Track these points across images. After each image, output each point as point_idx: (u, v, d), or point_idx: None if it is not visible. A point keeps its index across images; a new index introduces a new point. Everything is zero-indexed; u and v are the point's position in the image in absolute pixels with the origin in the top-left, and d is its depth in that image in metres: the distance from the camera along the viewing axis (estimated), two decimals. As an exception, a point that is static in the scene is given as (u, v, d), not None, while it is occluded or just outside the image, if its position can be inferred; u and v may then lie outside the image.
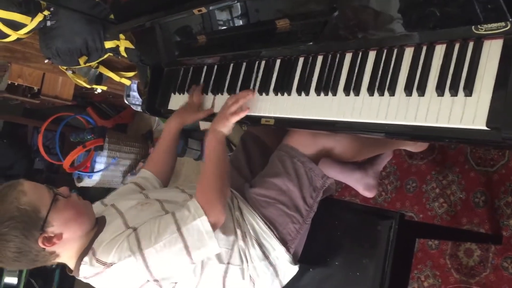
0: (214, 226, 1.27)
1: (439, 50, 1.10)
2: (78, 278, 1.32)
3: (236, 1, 1.38)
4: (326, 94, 1.32)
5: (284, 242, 1.44)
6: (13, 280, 3.97)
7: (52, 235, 1.24)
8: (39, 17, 2.11)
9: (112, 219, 1.35)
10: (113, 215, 1.37)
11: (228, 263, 1.38)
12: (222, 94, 1.63)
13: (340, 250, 1.47)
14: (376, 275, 1.36)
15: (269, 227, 1.43)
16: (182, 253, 1.24)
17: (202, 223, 1.25)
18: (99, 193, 3.91)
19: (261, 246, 1.43)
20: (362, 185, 1.91)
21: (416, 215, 2.08)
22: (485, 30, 1.00)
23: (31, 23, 2.12)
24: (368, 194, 1.94)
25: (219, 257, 1.36)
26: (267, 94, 1.47)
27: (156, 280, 1.26)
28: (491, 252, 1.80)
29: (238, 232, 1.41)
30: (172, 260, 1.25)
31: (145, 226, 1.26)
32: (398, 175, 2.18)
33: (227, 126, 1.45)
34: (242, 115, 1.46)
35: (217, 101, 1.64)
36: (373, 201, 2.23)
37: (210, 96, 1.68)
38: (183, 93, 1.82)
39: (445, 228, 1.88)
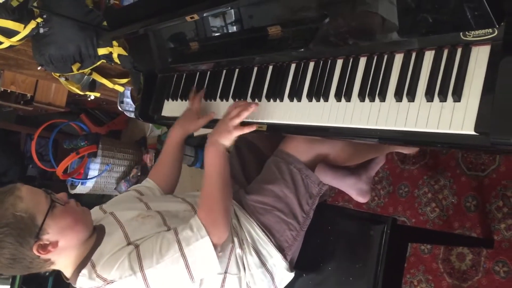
0: (216, 245, 1.26)
1: (428, 56, 1.12)
2: (74, 286, 1.30)
3: (228, 8, 1.39)
4: (318, 100, 1.33)
5: (281, 249, 1.44)
6: (6, 287, 3.95)
7: (47, 242, 1.22)
8: (32, 24, 2.12)
9: (112, 230, 1.33)
10: (113, 226, 1.34)
11: (226, 272, 1.37)
12: (215, 100, 1.64)
13: (333, 255, 1.48)
14: (369, 279, 1.36)
15: (266, 234, 1.43)
16: (183, 273, 1.23)
17: (205, 243, 1.24)
18: (93, 199, 3.90)
19: (258, 253, 1.42)
20: (355, 191, 1.92)
21: (409, 220, 2.09)
22: (473, 37, 1.02)
23: (24, 30, 2.12)
24: (361, 199, 1.95)
25: None
26: (259, 100, 1.48)
27: None
28: (483, 256, 1.81)
29: (235, 240, 1.41)
30: (173, 279, 1.25)
31: (147, 244, 1.25)
32: (390, 180, 2.19)
33: (229, 139, 1.40)
34: (246, 130, 1.41)
35: (217, 107, 1.64)
36: (366, 206, 2.24)
37: (207, 102, 1.68)
38: (176, 100, 1.82)
39: (437, 233, 1.89)
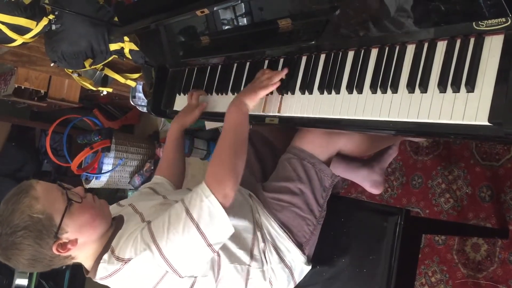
0: (223, 204, 1.22)
1: (441, 47, 1.11)
2: (95, 280, 1.29)
3: (238, 2, 1.39)
4: (330, 93, 1.32)
5: (299, 244, 1.44)
6: (23, 281, 4.01)
7: (67, 241, 1.22)
8: (44, 21, 2.13)
9: (131, 218, 1.33)
10: (131, 214, 1.35)
11: (249, 265, 1.37)
12: (226, 94, 1.65)
13: (347, 247, 1.48)
14: (383, 271, 1.36)
15: (284, 230, 1.42)
16: (196, 236, 1.19)
17: (211, 202, 1.21)
18: (107, 193, 3.94)
19: (277, 249, 1.42)
20: (368, 182, 1.91)
21: (422, 211, 2.08)
22: (486, 26, 1.00)
23: (36, 27, 2.14)
24: (375, 191, 1.94)
25: (240, 260, 1.35)
26: (271, 93, 1.48)
27: (175, 270, 1.21)
28: (498, 247, 1.80)
29: (259, 234, 1.40)
30: (188, 246, 1.21)
31: (157, 218, 1.24)
32: (403, 171, 2.18)
33: (253, 100, 1.39)
34: (271, 88, 1.41)
35: (228, 100, 1.63)
36: (379, 197, 2.23)
37: (219, 96, 1.69)
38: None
39: (451, 224, 1.88)
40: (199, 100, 1.74)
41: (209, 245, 1.21)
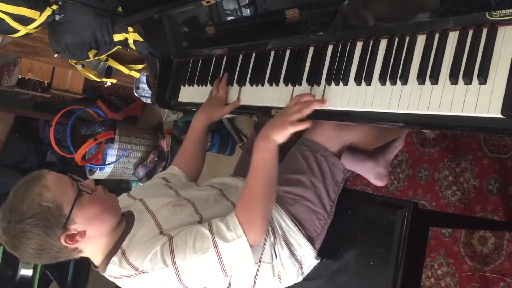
0: (252, 245, 1.23)
1: (452, 37, 1.08)
2: (103, 274, 1.29)
3: (244, -8, 1.37)
4: (337, 84, 1.30)
5: (310, 239, 1.43)
6: (28, 272, 4.04)
7: (75, 232, 1.20)
8: (47, 12, 2.12)
9: (142, 217, 1.31)
10: (143, 213, 1.33)
11: (260, 261, 1.36)
12: (232, 85, 1.63)
13: (354, 240, 1.47)
14: (390, 264, 1.35)
15: (296, 224, 1.41)
16: (216, 269, 1.22)
17: (241, 243, 1.21)
18: (111, 184, 3.94)
19: (288, 244, 1.41)
20: (373, 175, 1.90)
21: (429, 203, 2.07)
22: (499, 16, 0.98)
23: (40, 18, 2.12)
24: (379, 183, 1.93)
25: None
26: (277, 85, 1.46)
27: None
28: (505, 240, 1.79)
29: (269, 228, 1.38)
30: (205, 274, 1.24)
31: (180, 237, 1.23)
32: (410, 163, 2.17)
33: (283, 135, 1.29)
34: (302, 127, 1.30)
35: (234, 92, 1.62)
36: (385, 189, 2.22)
37: (235, 86, 1.63)
38: (193, 85, 1.81)
39: (458, 216, 1.87)
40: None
41: (225, 274, 1.24)
